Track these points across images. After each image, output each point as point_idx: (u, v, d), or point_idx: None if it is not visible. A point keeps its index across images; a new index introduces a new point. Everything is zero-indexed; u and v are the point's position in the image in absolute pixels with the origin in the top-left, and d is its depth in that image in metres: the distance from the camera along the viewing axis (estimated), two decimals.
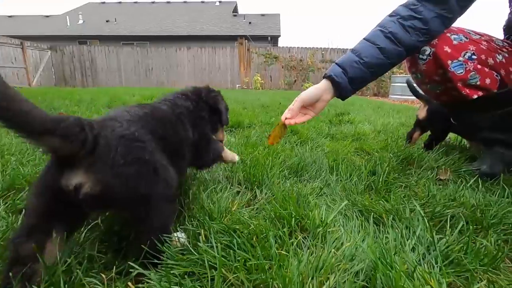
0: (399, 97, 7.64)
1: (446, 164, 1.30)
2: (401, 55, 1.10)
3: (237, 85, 11.92)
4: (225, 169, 1.20)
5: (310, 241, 0.70)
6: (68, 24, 18.38)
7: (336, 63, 1.13)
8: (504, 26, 1.29)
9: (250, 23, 18.75)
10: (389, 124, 2.44)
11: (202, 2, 23.45)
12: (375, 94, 10.31)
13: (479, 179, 1.07)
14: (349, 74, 1.09)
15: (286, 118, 1.07)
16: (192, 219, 0.74)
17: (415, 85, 1.42)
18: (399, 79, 7.94)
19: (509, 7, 1.25)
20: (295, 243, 0.66)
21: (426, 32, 1.06)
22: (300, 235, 0.72)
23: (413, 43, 1.07)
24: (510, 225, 0.77)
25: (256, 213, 0.85)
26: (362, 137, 1.92)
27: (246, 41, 11.40)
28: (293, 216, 0.73)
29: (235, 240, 0.64)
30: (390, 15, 1.12)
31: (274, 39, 17.30)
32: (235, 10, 21.87)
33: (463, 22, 1.16)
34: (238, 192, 0.97)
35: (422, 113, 1.58)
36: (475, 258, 0.62)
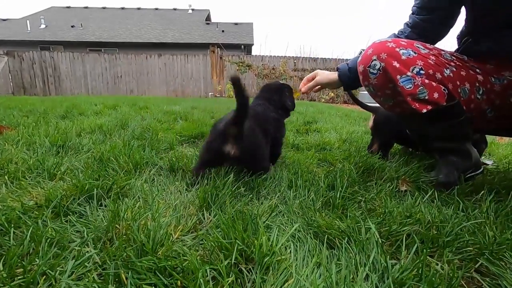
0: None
1: (406, 174, 1.29)
2: None
3: (210, 93, 11.80)
4: (176, 188, 1.09)
5: (256, 274, 0.62)
6: (29, 29, 17.28)
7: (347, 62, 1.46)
8: (458, 35, 1.32)
9: (223, 31, 18.76)
10: (354, 132, 2.46)
11: (174, 9, 23.18)
12: (345, 102, 10.65)
13: (436, 191, 1.05)
14: (349, 64, 1.41)
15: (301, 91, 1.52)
16: (116, 254, 0.63)
17: (359, 98, 1.79)
18: None
19: (465, 17, 1.28)
20: (235, 280, 0.57)
21: None
22: (244, 267, 0.64)
23: None
24: (465, 242, 0.74)
25: (201, 240, 0.75)
26: (327, 147, 1.89)
27: (219, 49, 11.34)
28: (236, 245, 0.65)
29: (163, 281, 0.54)
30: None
31: (248, 48, 17.42)
32: (208, 18, 21.84)
33: None
34: (184, 215, 0.87)
35: (370, 122, 1.69)
36: (429, 285, 0.57)
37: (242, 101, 0.96)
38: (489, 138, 2.26)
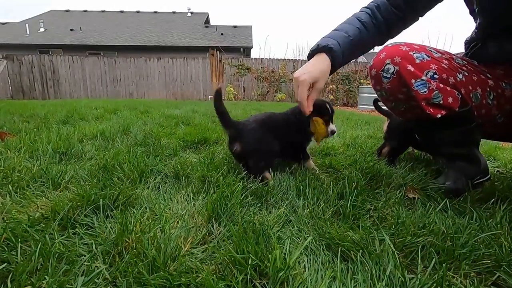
0: (367, 107, 7.94)
1: (413, 181, 1.28)
2: (371, 44, 1.24)
3: (209, 96, 11.79)
4: (182, 197, 1.08)
5: None
6: (28, 32, 17.30)
7: (326, 36, 1.16)
8: (465, 41, 1.31)
9: (222, 34, 18.82)
10: (357, 137, 2.45)
11: (173, 12, 23.25)
12: (345, 104, 10.67)
13: (447, 200, 1.04)
14: (342, 47, 1.13)
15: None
16: (127, 270, 0.61)
17: (379, 103, 1.60)
18: (367, 90, 8.28)
19: (475, 23, 1.27)
20: None
21: (386, 30, 1.23)
22: (259, 282, 0.62)
23: (377, 38, 1.24)
24: (481, 255, 0.72)
25: (212, 253, 0.74)
26: (331, 152, 1.88)
27: (218, 52, 11.36)
28: (249, 262, 0.63)
29: None
30: (363, 9, 1.25)
31: (247, 50, 17.47)
32: (207, 21, 21.91)
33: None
34: (193, 226, 0.86)
35: (385, 127, 1.66)
36: None
37: (219, 110, 1.25)
38: (493, 142, 2.26)
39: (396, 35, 1.29)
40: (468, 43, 1.29)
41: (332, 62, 1.11)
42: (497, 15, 1.11)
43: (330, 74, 1.15)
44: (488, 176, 1.27)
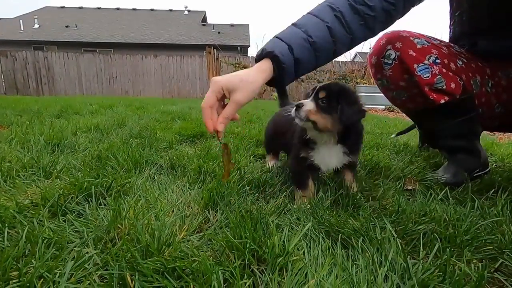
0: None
1: (412, 173, 1.27)
2: (348, 44, 0.89)
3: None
4: (178, 186, 1.05)
5: (269, 275, 0.58)
6: (22, 28, 17.06)
7: (276, 37, 0.86)
8: (449, 40, 1.30)
9: (219, 32, 18.76)
10: None
11: (170, 10, 23.10)
12: None
13: (447, 189, 1.03)
14: (295, 53, 0.83)
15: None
16: (119, 255, 0.58)
17: None
18: (364, 89, 8.29)
19: (450, 20, 1.27)
20: (248, 282, 0.54)
21: (371, 22, 0.89)
22: (256, 268, 0.60)
23: (359, 34, 0.89)
24: (483, 241, 0.71)
25: (208, 240, 0.72)
26: None
27: (215, 50, 11.30)
28: (247, 247, 0.61)
29: (173, 284, 0.50)
30: None
31: (244, 49, 17.43)
32: (204, 19, 21.80)
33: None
34: (189, 214, 0.83)
35: None
36: (456, 287, 0.54)
37: None
38: (490, 138, 2.27)
39: (379, 32, 1.00)
40: (453, 41, 1.26)
41: (278, 73, 0.84)
42: (486, 12, 1.09)
43: (279, 87, 0.88)
44: (488, 169, 1.26)
